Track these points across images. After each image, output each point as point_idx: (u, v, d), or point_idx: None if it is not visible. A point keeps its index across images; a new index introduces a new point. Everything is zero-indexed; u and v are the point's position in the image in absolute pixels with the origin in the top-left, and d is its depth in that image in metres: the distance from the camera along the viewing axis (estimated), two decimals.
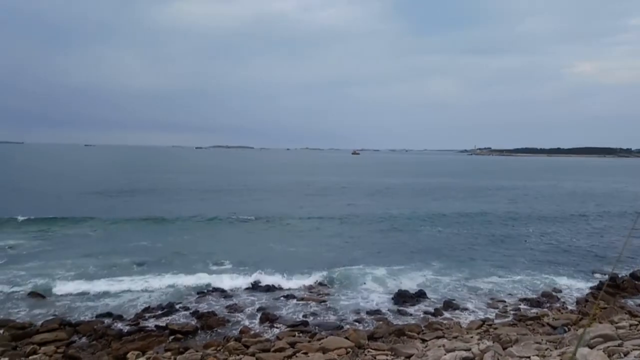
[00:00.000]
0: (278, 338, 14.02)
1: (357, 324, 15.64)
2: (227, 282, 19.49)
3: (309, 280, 19.84)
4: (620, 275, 20.32)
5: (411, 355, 11.45)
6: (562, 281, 20.72)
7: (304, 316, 16.24)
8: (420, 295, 18.41)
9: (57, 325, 14.48)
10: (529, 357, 9.82)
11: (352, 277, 20.43)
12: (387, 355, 12.12)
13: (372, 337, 14.05)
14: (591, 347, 9.19)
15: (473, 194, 58.12)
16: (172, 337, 14.18)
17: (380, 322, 15.62)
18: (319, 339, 13.68)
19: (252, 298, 18.01)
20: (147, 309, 16.49)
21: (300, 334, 14.43)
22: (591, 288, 19.79)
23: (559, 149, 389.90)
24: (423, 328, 15.09)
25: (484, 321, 15.82)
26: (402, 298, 18.01)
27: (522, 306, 17.74)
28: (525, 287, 19.96)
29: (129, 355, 12.53)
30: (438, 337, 13.80)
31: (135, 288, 18.49)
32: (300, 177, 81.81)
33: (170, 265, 21.74)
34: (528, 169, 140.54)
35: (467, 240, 29.47)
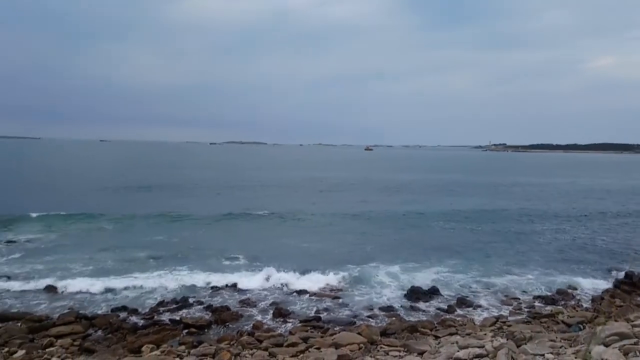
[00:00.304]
0: (291, 333, 14.10)
1: (369, 320, 15.65)
2: (240, 277, 19.60)
3: (321, 276, 19.85)
4: (636, 273, 20.05)
5: (424, 352, 11.42)
6: (578, 279, 20.49)
7: (317, 312, 16.30)
8: (433, 292, 18.35)
9: (73, 318, 14.70)
10: (543, 355, 9.75)
11: (365, 273, 20.41)
12: (399, 351, 12.10)
13: (384, 333, 14.06)
14: (606, 345, 9.10)
15: (487, 190, 57.67)
16: (186, 331, 14.34)
17: (393, 319, 15.60)
18: (331, 335, 13.73)
19: (265, 293, 18.11)
20: (161, 303, 16.67)
21: (313, 330, 14.49)
22: (607, 286, 19.59)
23: (575, 144, 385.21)
24: (436, 325, 15.05)
25: (497, 318, 15.71)
26: (415, 295, 17.97)
27: (536, 303, 17.60)
28: (539, 285, 19.77)
29: (143, 348, 12.68)
30: (451, 334, 13.75)
31: (150, 282, 18.68)
32: (313, 173, 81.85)
33: (185, 260, 21.94)
34: (544, 165, 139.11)
35: (481, 237, 29.27)
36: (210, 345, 12.93)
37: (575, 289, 19.32)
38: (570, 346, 10.68)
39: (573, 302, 17.69)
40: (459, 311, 16.67)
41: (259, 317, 15.74)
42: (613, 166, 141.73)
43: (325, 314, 16.11)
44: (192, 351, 12.43)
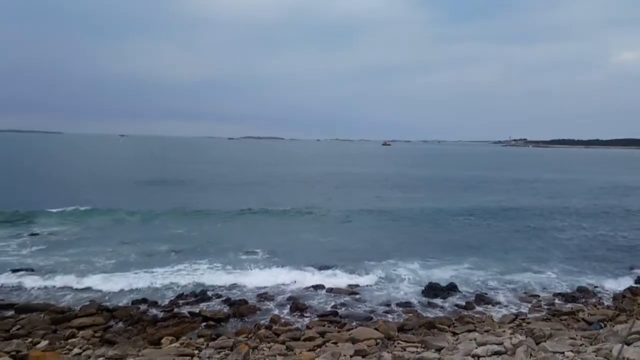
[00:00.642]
0: (308, 327, 14.16)
1: (386, 315, 15.63)
2: (258, 271, 19.77)
3: (338, 272, 19.90)
4: None
5: (442, 348, 11.39)
6: (599, 276, 20.19)
7: (334, 307, 16.33)
8: (451, 289, 18.24)
9: (94, 310, 14.97)
10: (563, 353, 9.65)
11: (383, 269, 20.38)
12: (417, 347, 12.09)
13: (402, 329, 14.04)
14: (628, 343, 8.98)
15: (507, 186, 57.02)
16: (204, 323, 14.48)
17: (410, 315, 15.56)
18: (348, 330, 13.76)
19: (283, 287, 18.18)
20: (180, 296, 16.89)
21: (330, 324, 14.52)
22: (629, 284, 19.24)
23: (597, 140, 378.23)
24: (454, 321, 14.97)
25: (516, 315, 15.57)
26: (433, 291, 17.87)
27: (556, 301, 17.38)
28: (560, 282, 19.53)
29: (163, 340, 12.87)
30: (469, 331, 13.68)
31: (170, 275, 18.93)
32: (330, 168, 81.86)
33: (204, 254, 22.15)
34: (565, 161, 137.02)
35: (501, 233, 28.97)
36: (229, 338, 13.07)
37: (596, 286, 19.03)
38: (591, 344, 10.56)
39: (594, 300, 17.44)
40: (477, 308, 16.55)
41: (276, 311, 15.84)
42: (636, 162, 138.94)
43: (342, 309, 16.14)
44: (210, 344, 12.57)
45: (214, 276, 19.07)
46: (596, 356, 9.27)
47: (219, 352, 11.72)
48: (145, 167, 72.41)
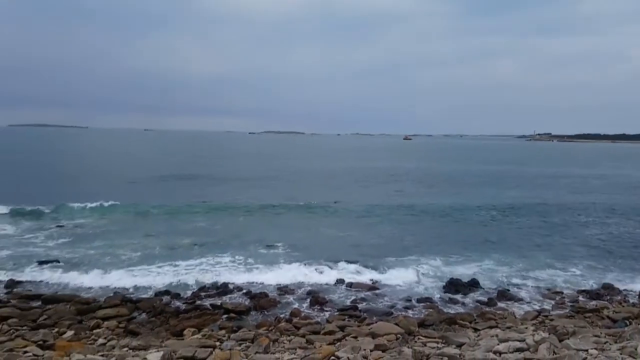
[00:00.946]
0: (328, 321, 14.21)
1: (407, 311, 15.57)
2: (279, 264, 19.89)
3: (359, 267, 19.88)
4: None
5: (462, 344, 11.31)
6: (624, 273, 19.80)
7: (354, 301, 16.34)
8: (473, 285, 18.07)
9: (119, 301, 15.27)
10: (586, 350, 9.51)
11: (403, 264, 20.31)
12: (437, 342, 12.02)
13: (422, 324, 13.97)
14: None
15: (531, 181, 56.22)
16: (225, 316, 14.67)
17: (431, 310, 15.47)
18: (368, 324, 13.75)
19: (303, 281, 18.23)
20: (202, 288, 17.12)
21: (350, 319, 14.55)
22: None
23: (623, 134, 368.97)
24: (475, 317, 14.83)
25: (539, 312, 15.38)
26: (454, 287, 17.74)
27: (580, 298, 17.11)
28: (584, 279, 19.21)
29: (185, 331, 13.07)
30: (491, 327, 13.56)
31: (192, 268, 19.21)
32: (350, 163, 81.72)
33: (226, 247, 22.39)
34: (591, 156, 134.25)
35: (525, 229, 28.57)
36: (249, 330, 13.20)
37: (622, 283, 18.64)
38: (616, 342, 10.38)
39: (619, 297, 17.08)
40: (499, 304, 16.35)
41: (296, 305, 15.94)
42: None
43: (362, 303, 16.14)
44: (231, 336, 12.71)
45: (235, 269, 19.29)
46: (621, 354, 9.12)
47: (240, 344, 11.84)
48: (169, 162, 73.33)
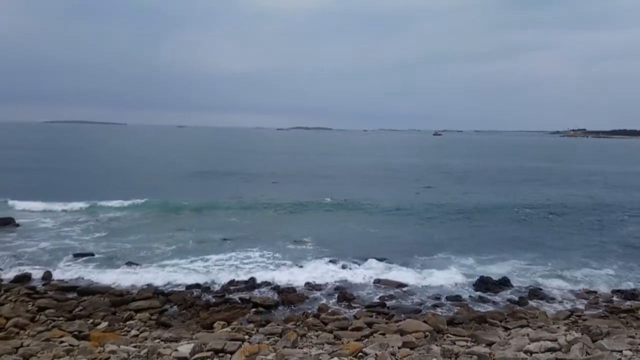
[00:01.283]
0: (355, 317, 14.22)
1: (436, 308, 15.43)
2: (307, 260, 20.00)
3: (387, 263, 19.81)
4: None
5: (492, 343, 11.16)
6: None
7: (382, 298, 16.30)
8: (503, 283, 17.79)
9: (151, 294, 15.64)
10: (620, 351, 9.28)
11: (433, 262, 20.16)
12: (467, 341, 11.89)
13: (451, 322, 13.83)
14: None
15: (565, 179, 54.85)
16: (254, 310, 14.83)
17: (461, 308, 15.32)
18: (396, 321, 13.70)
19: (330, 277, 18.26)
20: (232, 282, 17.35)
21: (378, 315, 14.53)
22: None
23: None
24: (506, 316, 14.61)
25: (572, 312, 15.05)
26: (485, 285, 17.49)
27: (615, 298, 16.65)
28: (619, 278, 18.69)
29: (215, 324, 13.29)
30: (522, 326, 13.34)
31: (223, 262, 19.51)
32: (379, 159, 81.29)
33: (256, 242, 22.63)
34: (627, 153, 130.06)
35: (558, 228, 27.93)
36: (278, 325, 13.33)
37: None
38: None
39: None
40: (530, 303, 16.06)
41: (324, 300, 16.00)
42: None
43: (390, 301, 16.08)
44: (260, 330, 12.87)
45: (264, 264, 19.50)
46: None
47: (268, 338, 11.98)
48: (200, 158, 74.32)
